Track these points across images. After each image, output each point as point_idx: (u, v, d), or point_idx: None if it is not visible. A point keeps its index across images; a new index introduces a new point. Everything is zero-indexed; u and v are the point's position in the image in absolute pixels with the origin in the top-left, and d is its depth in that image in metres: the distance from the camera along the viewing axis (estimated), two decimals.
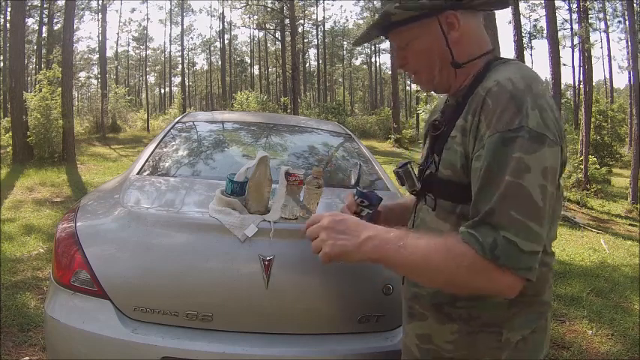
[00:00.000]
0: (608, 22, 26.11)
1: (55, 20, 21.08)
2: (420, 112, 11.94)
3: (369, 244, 0.92)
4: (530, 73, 0.93)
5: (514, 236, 0.80)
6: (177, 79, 44.46)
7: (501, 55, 1.05)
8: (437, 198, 1.01)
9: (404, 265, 0.91)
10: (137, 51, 40.56)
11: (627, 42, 19.16)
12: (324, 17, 45.68)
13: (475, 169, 0.89)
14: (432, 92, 1.28)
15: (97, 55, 29.46)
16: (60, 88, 10.80)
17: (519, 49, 10.24)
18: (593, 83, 20.23)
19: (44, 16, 21.59)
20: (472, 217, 0.86)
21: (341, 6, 79.59)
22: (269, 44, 40.82)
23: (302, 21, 32.56)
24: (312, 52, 42.80)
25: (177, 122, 2.60)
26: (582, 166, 10.74)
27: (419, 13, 0.97)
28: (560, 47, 17.47)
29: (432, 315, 1.02)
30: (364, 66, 46.34)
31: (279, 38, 30.12)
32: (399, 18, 0.99)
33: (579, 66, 22.69)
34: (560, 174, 0.92)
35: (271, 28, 31.19)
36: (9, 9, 13.76)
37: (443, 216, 1.00)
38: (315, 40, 40.27)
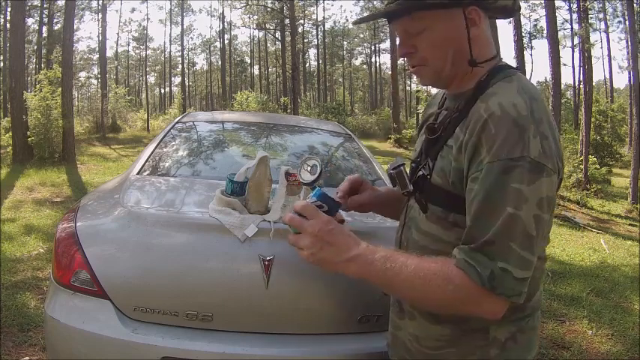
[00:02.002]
0: (608, 22, 26.16)
1: (55, 20, 21.10)
2: (420, 112, 11.96)
3: (353, 264, 0.92)
4: (531, 92, 0.91)
5: (510, 266, 0.83)
6: (177, 79, 44.52)
7: (501, 57, 1.03)
8: (428, 202, 1.00)
9: (390, 287, 0.93)
10: (137, 51, 40.59)
11: (627, 42, 19.17)
12: (324, 17, 45.72)
13: (470, 191, 0.88)
14: (429, 87, 1.23)
15: (97, 55, 29.52)
16: (60, 88, 10.79)
17: (519, 49, 10.25)
18: (593, 83, 20.26)
19: (44, 16, 21.61)
20: (467, 242, 0.87)
21: (341, 6, 79.76)
22: (269, 44, 40.80)
23: (302, 21, 32.52)
24: (312, 52, 42.82)
25: (177, 122, 2.60)
26: (582, 166, 10.73)
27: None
28: (560, 47, 17.48)
29: (421, 315, 1.03)
30: (364, 66, 46.32)
31: (279, 38, 30.12)
32: None
33: (579, 66, 22.72)
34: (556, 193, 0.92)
35: (271, 28, 31.18)
36: (9, 9, 13.76)
37: (434, 220, 0.99)
38: (315, 40, 40.28)
